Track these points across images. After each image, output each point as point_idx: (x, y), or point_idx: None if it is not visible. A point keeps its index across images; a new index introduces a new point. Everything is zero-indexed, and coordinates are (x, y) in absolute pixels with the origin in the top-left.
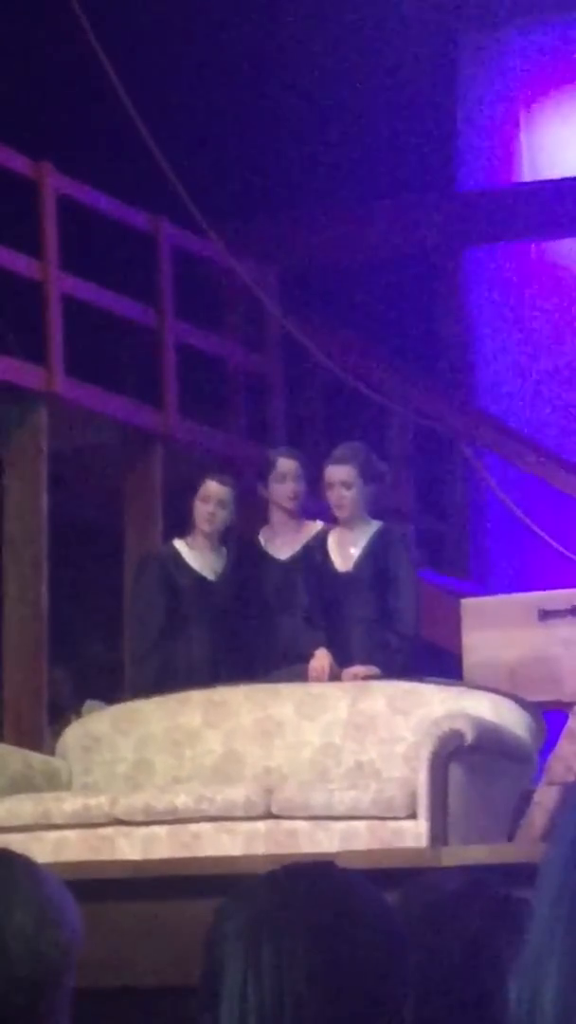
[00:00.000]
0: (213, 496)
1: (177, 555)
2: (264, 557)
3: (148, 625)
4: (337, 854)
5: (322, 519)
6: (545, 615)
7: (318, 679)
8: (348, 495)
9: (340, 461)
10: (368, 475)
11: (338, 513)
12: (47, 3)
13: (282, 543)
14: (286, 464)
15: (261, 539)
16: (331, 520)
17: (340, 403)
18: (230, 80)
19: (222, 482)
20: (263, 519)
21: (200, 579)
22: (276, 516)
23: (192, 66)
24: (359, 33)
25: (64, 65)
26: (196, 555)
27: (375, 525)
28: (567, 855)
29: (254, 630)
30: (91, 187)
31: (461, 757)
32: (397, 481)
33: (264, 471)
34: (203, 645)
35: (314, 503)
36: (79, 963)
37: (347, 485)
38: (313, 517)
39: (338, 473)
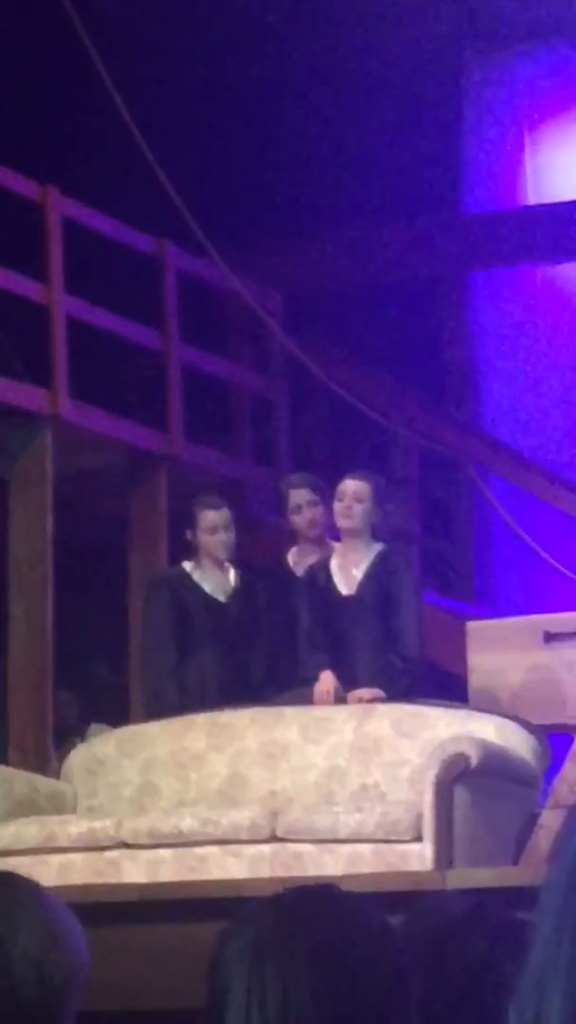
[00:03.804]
0: (219, 524)
1: (187, 577)
2: (293, 578)
3: (165, 648)
4: (342, 877)
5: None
6: (550, 638)
7: (323, 702)
8: (358, 507)
9: (358, 477)
10: (380, 499)
11: (343, 523)
12: (53, 29)
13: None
14: (297, 495)
15: (290, 560)
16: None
17: (345, 426)
18: (235, 104)
19: (218, 506)
20: (269, 542)
21: (211, 600)
22: (302, 539)
23: (197, 91)
24: (364, 56)
25: (70, 89)
26: (205, 576)
27: (377, 547)
28: (569, 877)
29: (277, 650)
30: (96, 211)
31: (466, 780)
32: (402, 504)
33: (280, 503)
34: (215, 666)
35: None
36: (84, 986)
37: (359, 499)
38: (337, 538)
39: (352, 485)
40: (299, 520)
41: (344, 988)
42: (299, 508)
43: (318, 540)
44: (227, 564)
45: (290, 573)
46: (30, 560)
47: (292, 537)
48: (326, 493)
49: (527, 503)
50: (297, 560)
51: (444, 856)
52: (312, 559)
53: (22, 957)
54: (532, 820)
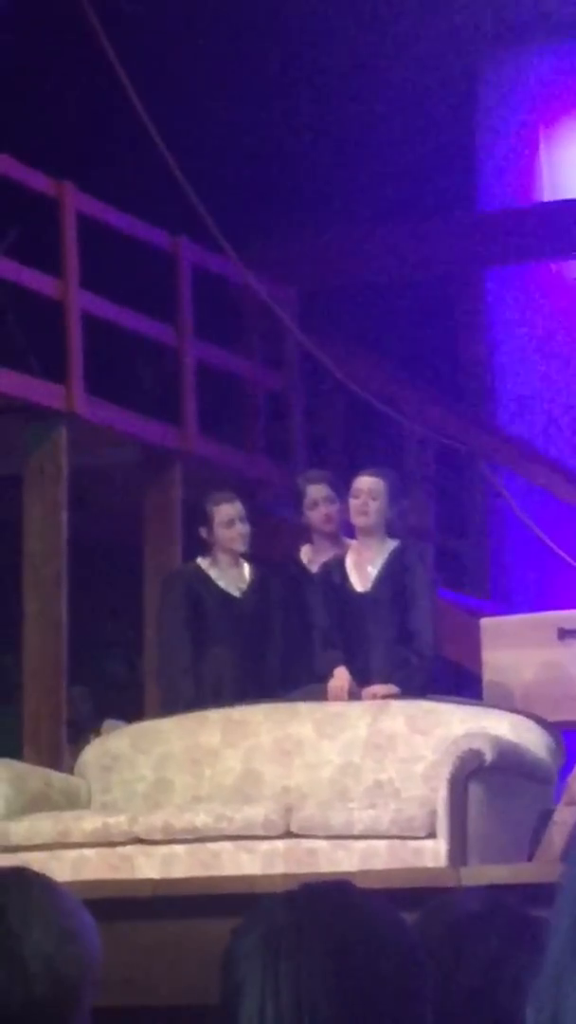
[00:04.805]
0: (235, 516)
1: (202, 573)
2: (306, 575)
3: (180, 644)
4: (356, 873)
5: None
6: (564, 634)
7: (337, 698)
8: (373, 504)
9: (373, 473)
10: (394, 496)
11: (359, 521)
12: (70, 26)
13: (322, 561)
14: (315, 490)
15: (304, 557)
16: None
17: (360, 422)
18: (250, 100)
19: (231, 499)
20: (282, 537)
21: (226, 596)
22: (316, 536)
23: (212, 87)
24: (380, 53)
25: (86, 86)
26: (220, 573)
27: (392, 544)
28: None
29: (291, 647)
30: (112, 207)
31: (481, 777)
32: (417, 500)
33: (296, 499)
34: (230, 661)
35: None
36: (98, 982)
37: (374, 496)
38: (352, 535)
39: (367, 482)
40: (315, 516)
41: (358, 984)
42: (316, 504)
43: (332, 537)
44: (241, 560)
45: (304, 570)
46: (45, 556)
47: (306, 533)
48: (342, 491)
49: (542, 500)
50: (311, 557)
51: (458, 853)
52: (326, 556)
53: (36, 953)
54: (547, 817)
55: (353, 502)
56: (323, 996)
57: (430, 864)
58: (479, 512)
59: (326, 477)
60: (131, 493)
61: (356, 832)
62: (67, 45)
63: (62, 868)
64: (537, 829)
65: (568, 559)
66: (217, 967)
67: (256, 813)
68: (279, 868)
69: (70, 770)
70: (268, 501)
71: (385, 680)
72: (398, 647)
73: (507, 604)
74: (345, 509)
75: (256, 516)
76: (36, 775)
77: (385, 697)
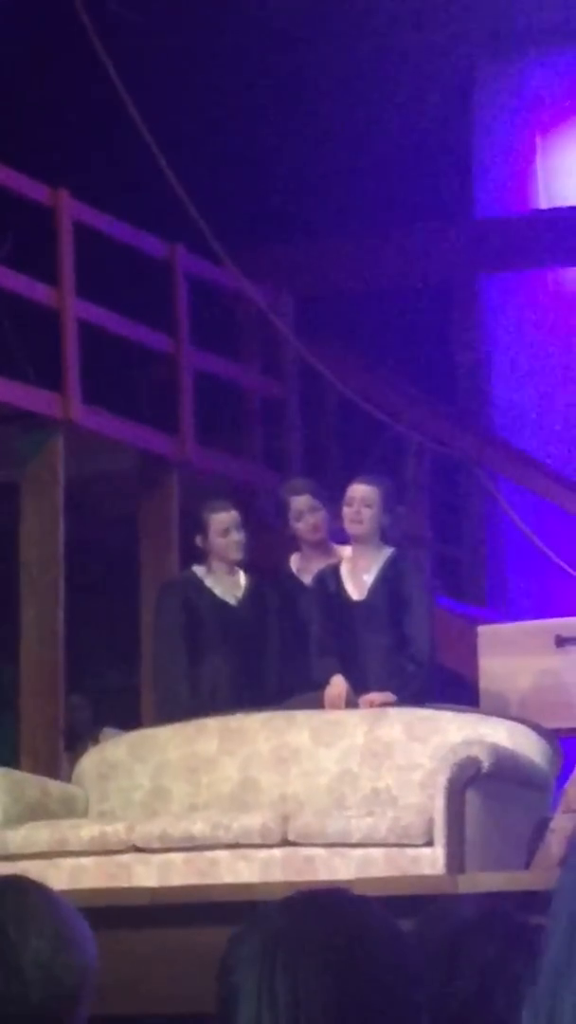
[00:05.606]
0: (230, 525)
1: (198, 581)
2: (296, 584)
3: (176, 652)
4: (354, 881)
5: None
6: (562, 642)
7: (334, 706)
8: (367, 512)
9: (366, 481)
10: (389, 503)
11: (353, 529)
12: (65, 34)
13: (313, 570)
14: (299, 501)
15: (293, 566)
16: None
17: (356, 430)
18: (246, 108)
19: (227, 508)
20: (279, 546)
21: (222, 604)
22: (305, 545)
23: (208, 94)
24: (377, 60)
25: (82, 94)
26: (216, 580)
27: (388, 551)
28: None
29: (286, 656)
30: (108, 215)
31: (478, 784)
32: (413, 508)
33: (281, 510)
34: (225, 670)
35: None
36: (95, 990)
37: (368, 503)
38: (343, 542)
39: (361, 490)
40: (302, 526)
41: (355, 992)
42: (301, 514)
43: (321, 545)
44: (237, 568)
45: (295, 579)
46: (42, 564)
47: (296, 542)
48: (327, 497)
49: (538, 507)
50: (300, 566)
51: (455, 860)
52: (316, 564)
53: (33, 960)
54: (544, 824)
55: (347, 510)
56: (319, 1003)
57: (427, 872)
58: (476, 519)
59: (309, 486)
60: (127, 501)
61: (353, 840)
62: (63, 53)
63: (59, 876)
64: (534, 836)
65: (565, 567)
66: (214, 975)
67: (253, 821)
68: (277, 876)
69: (67, 778)
70: (264, 509)
71: (382, 688)
72: (394, 655)
73: (504, 611)
74: (336, 516)
75: (252, 524)
76: (33, 783)
77: (382, 705)
